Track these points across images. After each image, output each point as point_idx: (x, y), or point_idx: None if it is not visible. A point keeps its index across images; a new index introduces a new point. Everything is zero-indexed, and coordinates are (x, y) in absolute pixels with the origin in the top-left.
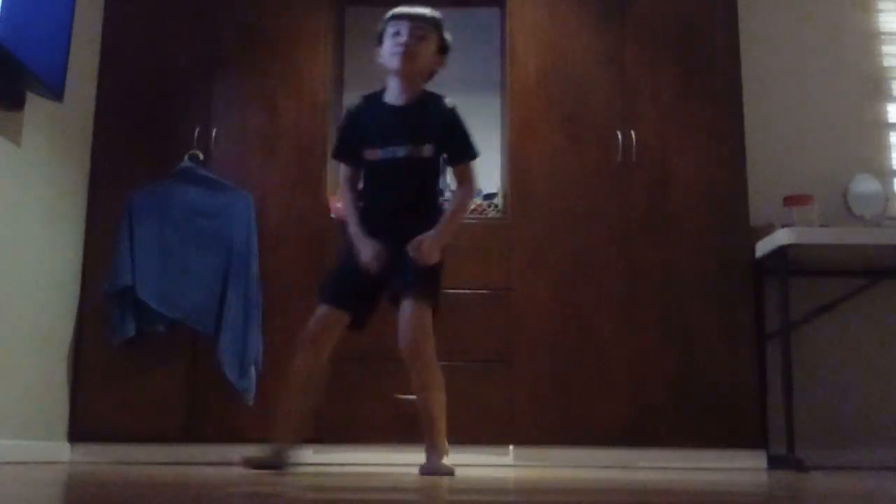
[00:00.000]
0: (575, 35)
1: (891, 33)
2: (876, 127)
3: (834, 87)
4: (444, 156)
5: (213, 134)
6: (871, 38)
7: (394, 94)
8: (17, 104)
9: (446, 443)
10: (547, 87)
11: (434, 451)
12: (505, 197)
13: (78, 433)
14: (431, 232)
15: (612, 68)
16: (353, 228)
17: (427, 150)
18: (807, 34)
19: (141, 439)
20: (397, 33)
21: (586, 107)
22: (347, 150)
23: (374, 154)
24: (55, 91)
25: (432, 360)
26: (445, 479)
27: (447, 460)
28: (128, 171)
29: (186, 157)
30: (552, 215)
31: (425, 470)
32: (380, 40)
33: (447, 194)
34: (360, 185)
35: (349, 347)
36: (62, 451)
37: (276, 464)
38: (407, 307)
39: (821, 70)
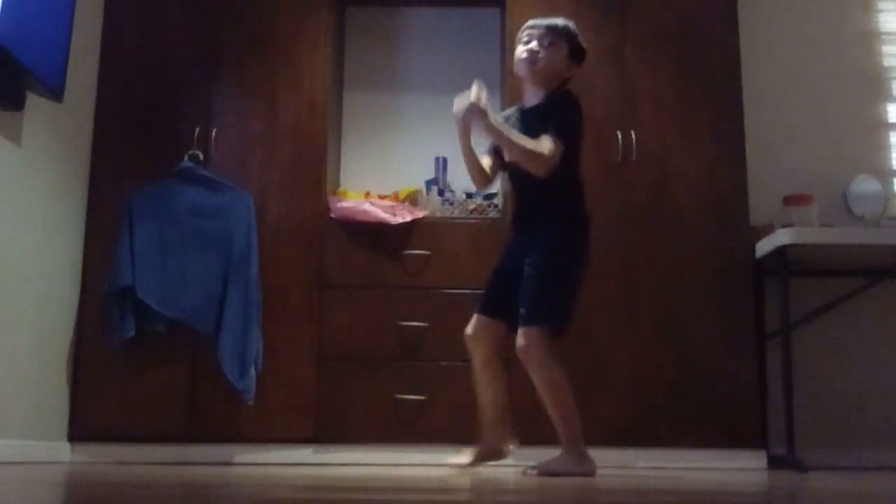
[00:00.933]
0: None
1: (891, 33)
2: (876, 127)
3: (834, 87)
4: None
5: (213, 134)
6: (871, 38)
7: (526, 98)
8: (17, 104)
9: (579, 443)
10: None
11: (565, 452)
12: (505, 197)
13: (78, 433)
14: (503, 130)
15: (612, 68)
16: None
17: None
18: (807, 34)
19: (141, 439)
20: (527, 42)
21: (586, 107)
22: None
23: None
24: (55, 91)
25: (545, 366)
26: (569, 480)
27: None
28: (128, 172)
29: (186, 157)
30: None
31: (544, 469)
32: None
33: (446, 194)
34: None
35: (349, 347)
36: (62, 451)
37: (492, 456)
38: (519, 331)
39: (821, 70)
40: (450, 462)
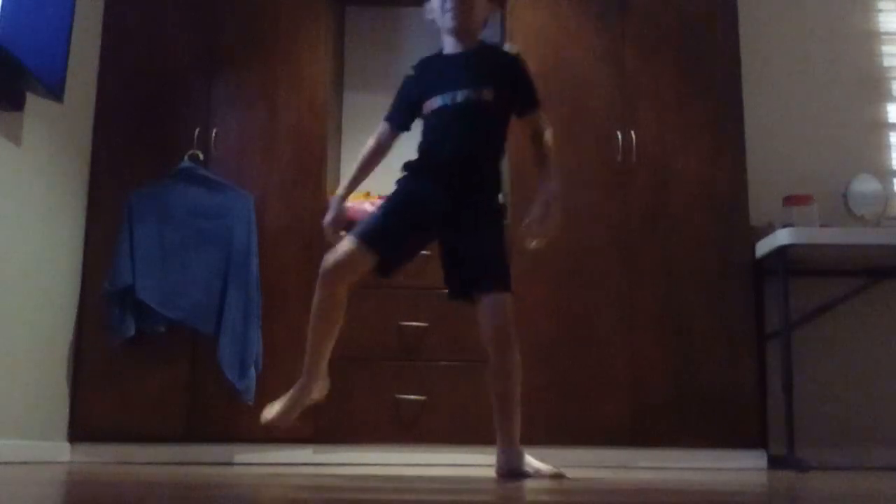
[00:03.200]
0: (575, 35)
1: (891, 33)
2: (876, 127)
3: (834, 87)
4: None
5: (213, 134)
6: (871, 38)
7: (450, 47)
8: (17, 104)
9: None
10: (547, 88)
11: (513, 449)
12: (505, 197)
13: (78, 433)
14: (552, 188)
15: (612, 68)
16: (341, 191)
17: (487, 93)
18: (807, 34)
19: (141, 439)
20: None
21: (586, 107)
22: (399, 110)
23: (432, 104)
24: (55, 91)
25: (517, 346)
26: (526, 483)
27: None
28: (128, 171)
29: (186, 157)
30: None
31: (505, 470)
32: None
33: None
34: (419, 143)
35: (349, 347)
36: (62, 451)
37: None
38: (495, 300)
39: (821, 70)
40: (265, 415)
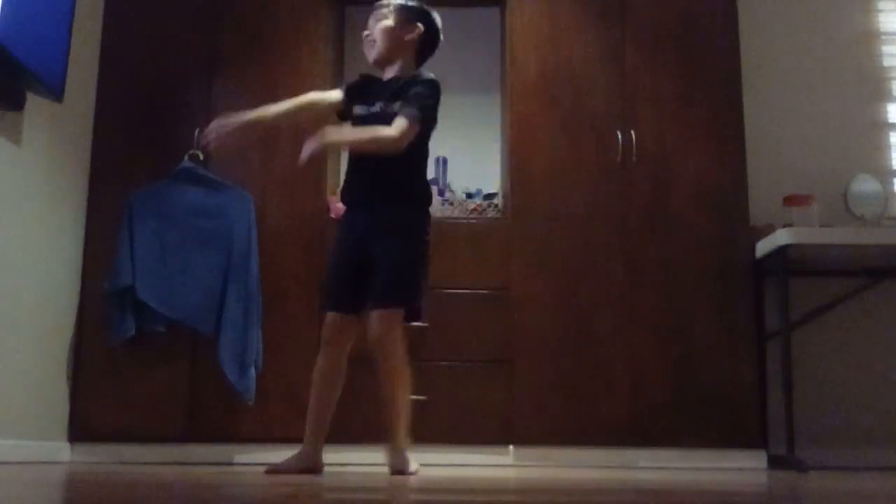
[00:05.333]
0: (575, 35)
1: (891, 33)
2: (876, 127)
3: (834, 87)
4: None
5: None
6: (871, 38)
7: (385, 72)
8: (17, 104)
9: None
10: (547, 87)
11: (399, 450)
12: (505, 197)
13: (78, 433)
14: (331, 133)
15: (612, 68)
16: (252, 114)
17: (397, 106)
18: (807, 34)
19: (141, 439)
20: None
21: (586, 107)
22: (345, 91)
23: (356, 111)
24: (55, 91)
25: (398, 355)
26: (412, 479)
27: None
28: (128, 171)
29: (186, 157)
30: (552, 215)
31: (397, 468)
32: None
33: (446, 194)
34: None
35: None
36: (62, 451)
37: (307, 468)
38: (375, 314)
39: (821, 70)
40: (269, 470)
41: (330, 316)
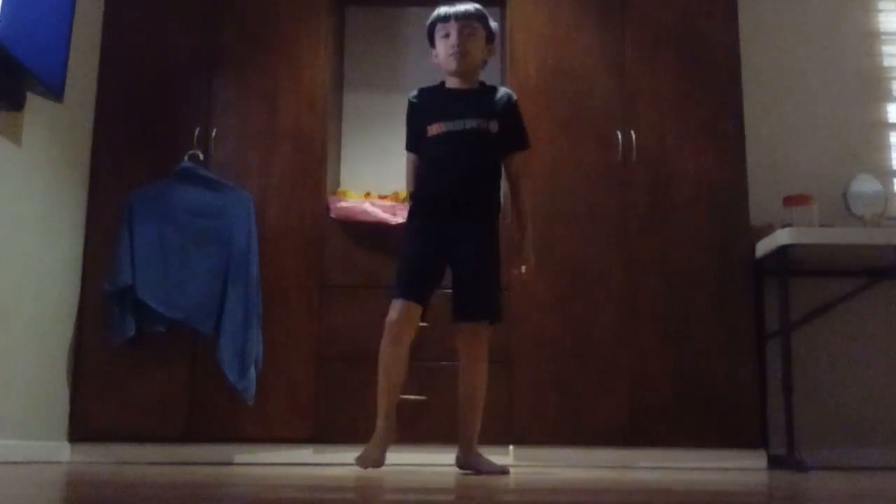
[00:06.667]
0: (575, 35)
1: (891, 33)
2: (876, 127)
3: (834, 87)
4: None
5: (213, 134)
6: (871, 38)
7: (455, 84)
8: (17, 104)
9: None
10: (547, 87)
11: (475, 449)
12: (505, 197)
13: (78, 433)
14: (528, 242)
15: (612, 68)
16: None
17: (493, 125)
18: (807, 34)
19: (141, 439)
20: (447, 35)
21: (586, 107)
22: (415, 137)
23: (439, 128)
24: (55, 91)
25: (486, 360)
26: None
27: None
28: (128, 171)
29: (186, 157)
30: (552, 215)
31: (481, 468)
32: (431, 42)
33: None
34: (422, 169)
35: (349, 347)
36: (62, 451)
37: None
38: (467, 327)
39: (821, 70)
40: (360, 461)
41: (402, 304)
